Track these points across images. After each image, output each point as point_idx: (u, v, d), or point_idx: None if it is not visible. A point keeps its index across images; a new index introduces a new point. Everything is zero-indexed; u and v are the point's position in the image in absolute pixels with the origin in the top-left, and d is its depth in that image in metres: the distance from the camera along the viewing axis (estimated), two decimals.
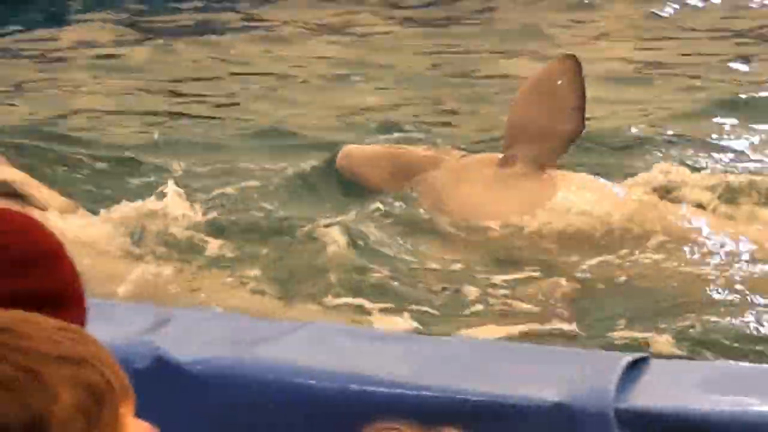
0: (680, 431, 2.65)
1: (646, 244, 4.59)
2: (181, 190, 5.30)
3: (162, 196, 5.27)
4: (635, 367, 2.75)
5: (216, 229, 5.14)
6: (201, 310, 3.51)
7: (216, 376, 2.93)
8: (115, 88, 8.07)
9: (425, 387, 2.77)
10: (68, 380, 1.69)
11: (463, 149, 5.42)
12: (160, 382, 2.89)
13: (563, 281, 4.45)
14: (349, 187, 5.38)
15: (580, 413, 2.64)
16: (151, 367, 2.92)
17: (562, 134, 4.66)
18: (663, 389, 2.73)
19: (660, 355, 3.62)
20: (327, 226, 4.90)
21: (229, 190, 5.50)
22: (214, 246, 5.04)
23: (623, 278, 4.63)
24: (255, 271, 4.78)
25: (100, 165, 6.15)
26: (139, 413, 1.81)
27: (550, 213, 4.62)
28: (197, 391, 2.92)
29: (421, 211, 5.03)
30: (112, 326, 2.91)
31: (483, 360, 2.95)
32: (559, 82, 4.67)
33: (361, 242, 4.83)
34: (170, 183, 5.29)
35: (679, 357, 3.93)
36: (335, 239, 4.83)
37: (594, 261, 4.56)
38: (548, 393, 2.68)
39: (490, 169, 4.83)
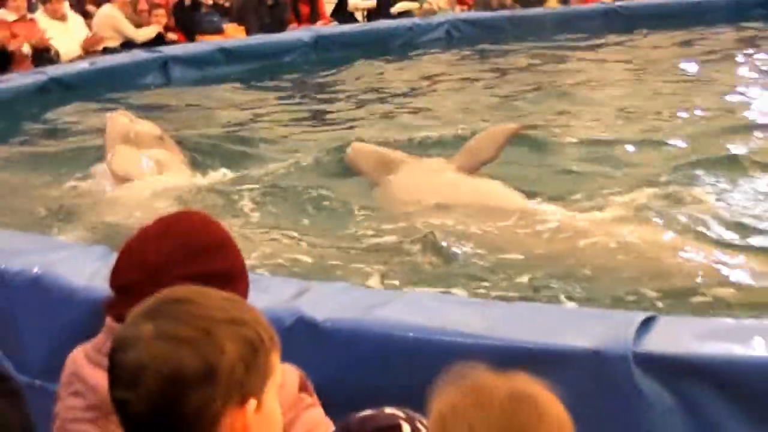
0: (681, 370, 2.93)
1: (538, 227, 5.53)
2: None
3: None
4: (647, 323, 3.07)
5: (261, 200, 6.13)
6: (333, 283, 3.70)
7: (342, 331, 3.26)
8: None
9: (496, 338, 3.09)
10: (232, 337, 1.91)
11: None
12: (301, 336, 3.25)
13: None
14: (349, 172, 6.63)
15: (608, 356, 2.95)
16: (294, 325, 3.28)
17: (483, 160, 6.12)
18: (669, 338, 3.01)
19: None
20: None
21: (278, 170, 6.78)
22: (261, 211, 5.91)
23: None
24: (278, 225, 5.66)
25: None
26: (285, 359, 2.10)
27: (459, 197, 5.88)
28: (328, 342, 3.25)
29: (380, 193, 6.23)
30: (266, 295, 3.31)
31: (537, 318, 3.23)
32: (501, 137, 6.14)
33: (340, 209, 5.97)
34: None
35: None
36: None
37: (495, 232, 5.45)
38: (585, 342, 3.00)
39: (433, 167, 6.25)
